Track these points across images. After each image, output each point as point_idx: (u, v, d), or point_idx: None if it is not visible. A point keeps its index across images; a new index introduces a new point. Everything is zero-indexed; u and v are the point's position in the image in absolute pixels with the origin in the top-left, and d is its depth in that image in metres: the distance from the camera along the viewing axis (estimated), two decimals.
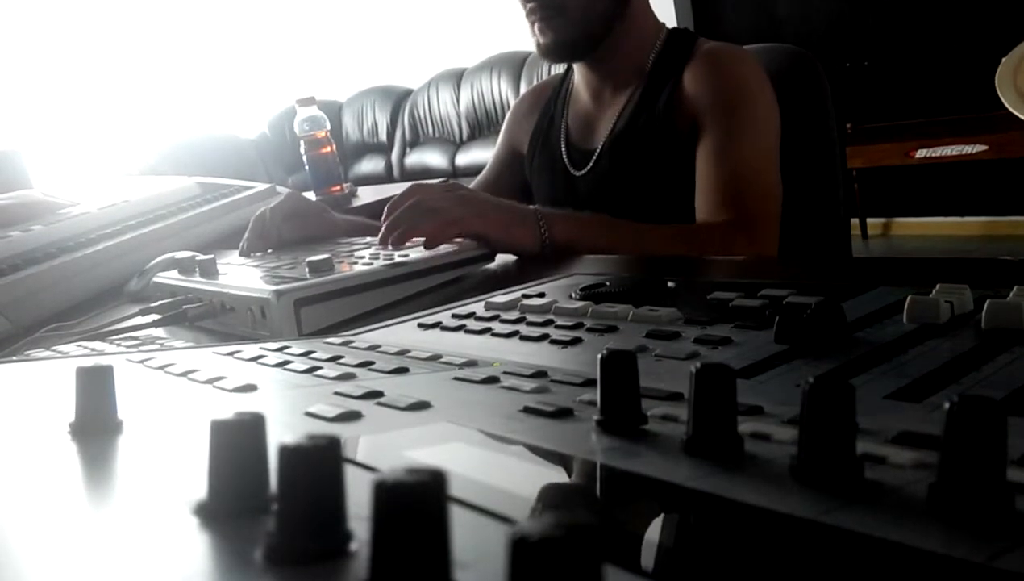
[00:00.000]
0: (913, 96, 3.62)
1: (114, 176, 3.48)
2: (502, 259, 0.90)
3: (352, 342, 0.53)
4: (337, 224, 1.10)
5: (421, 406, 0.34)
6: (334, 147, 1.74)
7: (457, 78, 4.19)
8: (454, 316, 0.58)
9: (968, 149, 3.16)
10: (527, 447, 0.29)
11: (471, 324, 0.55)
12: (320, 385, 0.40)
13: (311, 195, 1.61)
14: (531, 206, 0.98)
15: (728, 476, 0.24)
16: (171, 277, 0.89)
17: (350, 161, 4.60)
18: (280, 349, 0.50)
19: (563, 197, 1.23)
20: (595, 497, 0.26)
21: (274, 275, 0.80)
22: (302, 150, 1.72)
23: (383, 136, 4.58)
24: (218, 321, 0.78)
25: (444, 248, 0.84)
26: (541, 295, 0.59)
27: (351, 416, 0.33)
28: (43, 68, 4.89)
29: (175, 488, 0.24)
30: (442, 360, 0.45)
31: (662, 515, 0.23)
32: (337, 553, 0.18)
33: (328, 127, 1.73)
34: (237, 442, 0.21)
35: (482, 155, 3.57)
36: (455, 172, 4.02)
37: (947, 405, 0.21)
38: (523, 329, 0.51)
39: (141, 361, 0.48)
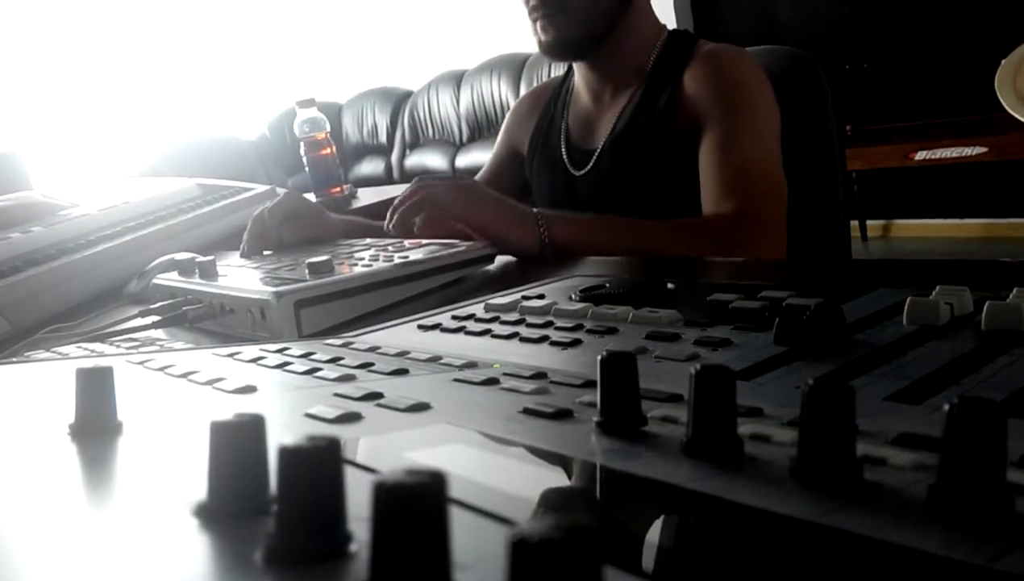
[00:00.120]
0: (913, 98, 3.63)
1: (114, 177, 3.49)
2: (502, 261, 0.90)
3: (352, 343, 0.53)
4: (336, 225, 1.10)
5: (421, 407, 0.34)
6: (334, 149, 1.74)
7: (457, 80, 4.19)
8: (454, 317, 0.58)
9: (968, 151, 3.16)
10: (527, 448, 0.29)
11: (471, 325, 0.55)
12: (320, 386, 0.40)
13: (311, 196, 1.62)
14: (534, 209, 0.98)
15: (728, 478, 0.24)
16: (171, 279, 0.89)
17: (350, 163, 4.60)
18: (280, 350, 0.50)
19: (563, 197, 1.23)
20: (595, 499, 0.26)
21: (274, 277, 0.80)
22: (302, 152, 1.72)
23: (383, 138, 4.58)
24: (218, 323, 0.78)
25: (445, 249, 0.84)
26: (541, 297, 0.59)
27: (351, 417, 0.33)
28: (43, 69, 4.89)
29: (175, 489, 0.24)
30: (442, 362, 0.45)
31: (662, 517, 0.23)
32: (337, 554, 0.18)
33: (328, 129, 1.73)
34: (237, 443, 0.21)
35: (482, 157, 3.56)
36: (455, 174, 4.02)
37: (947, 407, 0.21)
38: (523, 331, 0.51)
39: (141, 362, 0.48)
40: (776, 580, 0.19)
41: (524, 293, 0.61)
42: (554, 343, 0.48)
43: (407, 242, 0.90)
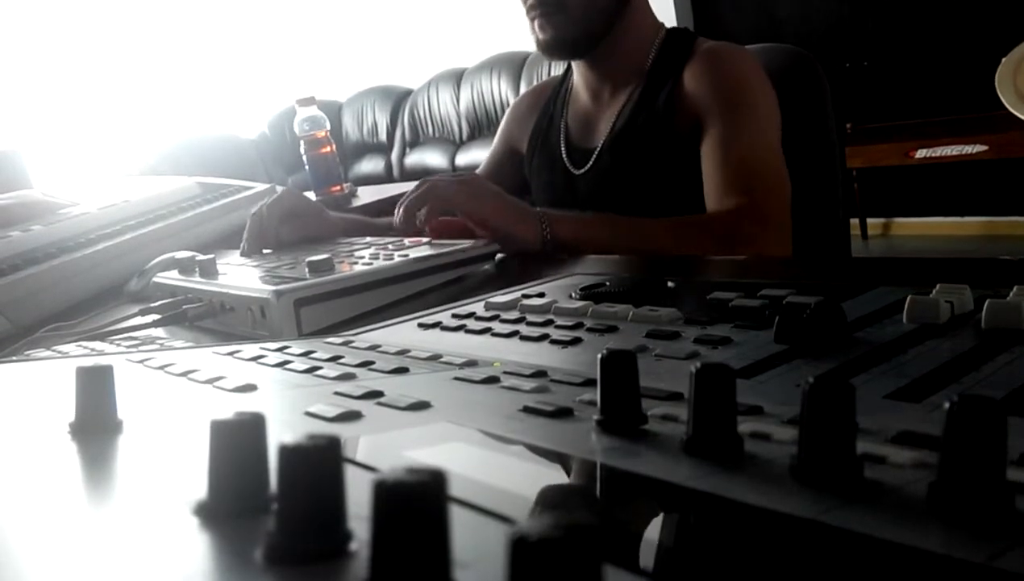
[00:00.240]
0: (913, 96, 3.62)
1: (114, 176, 3.48)
2: (502, 259, 0.90)
3: (352, 342, 0.53)
4: (335, 223, 1.10)
5: (421, 406, 0.34)
6: (334, 147, 1.74)
7: (457, 78, 4.19)
8: (454, 316, 0.58)
9: (968, 149, 3.16)
10: (527, 447, 0.29)
11: (471, 324, 0.55)
12: (320, 385, 0.40)
13: (311, 195, 1.61)
14: (537, 208, 0.98)
15: (728, 476, 0.24)
16: (171, 277, 0.89)
17: (350, 161, 4.59)
18: (280, 349, 0.50)
19: (563, 196, 1.23)
20: (595, 497, 0.26)
21: (274, 275, 0.80)
22: (302, 150, 1.72)
23: (383, 136, 4.58)
24: (218, 321, 0.78)
25: (446, 246, 0.84)
26: (541, 295, 0.59)
27: (351, 416, 0.33)
28: (43, 68, 4.89)
29: (175, 488, 0.24)
30: (442, 360, 0.45)
31: (662, 515, 0.23)
32: (337, 553, 0.18)
33: (328, 127, 1.73)
34: (237, 442, 0.21)
35: (482, 155, 3.55)
36: (455, 172, 4.02)
37: (947, 405, 0.21)
38: (523, 329, 0.51)
39: (141, 361, 0.48)
40: (776, 578, 0.19)
41: (524, 291, 0.61)
42: (554, 341, 0.48)
43: (407, 241, 0.90)
